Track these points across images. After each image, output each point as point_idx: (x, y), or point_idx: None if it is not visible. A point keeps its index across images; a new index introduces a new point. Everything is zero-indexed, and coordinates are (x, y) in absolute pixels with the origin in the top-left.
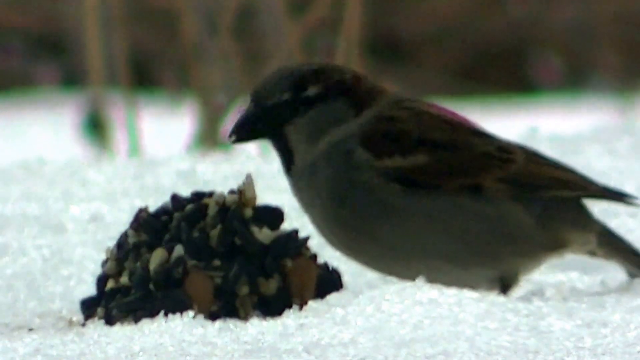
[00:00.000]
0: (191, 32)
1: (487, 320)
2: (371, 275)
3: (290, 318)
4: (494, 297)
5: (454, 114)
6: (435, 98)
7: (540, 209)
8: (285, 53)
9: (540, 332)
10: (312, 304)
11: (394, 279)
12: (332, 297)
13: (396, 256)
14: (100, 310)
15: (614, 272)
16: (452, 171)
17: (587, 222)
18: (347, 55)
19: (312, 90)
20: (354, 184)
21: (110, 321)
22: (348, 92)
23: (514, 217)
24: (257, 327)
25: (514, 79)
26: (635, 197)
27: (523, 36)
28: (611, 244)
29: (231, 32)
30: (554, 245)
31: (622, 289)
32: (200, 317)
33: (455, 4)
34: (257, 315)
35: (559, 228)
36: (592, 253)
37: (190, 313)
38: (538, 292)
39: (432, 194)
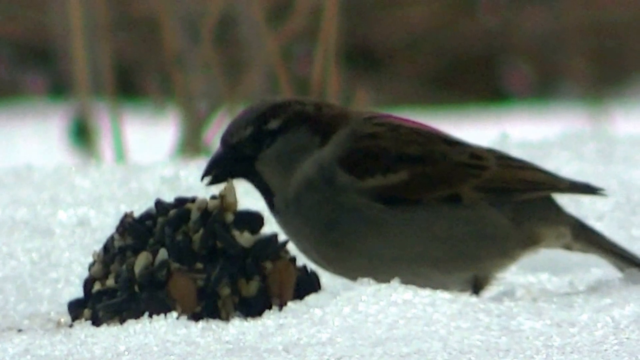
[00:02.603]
0: (173, 41)
1: (459, 320)
2: None
3: (270, 318)
4: (467, 298)
5: (421, 124)
6: (408, 105)
7: (514, 209)
8: (264, 61)
9: (511, 332)
10: (291, 304)
11: (370, 281)
12: (311, 298)
13: (385, 267)
14: (87, 312)
15: (583, 273)
16: (431, 184)
17: (559, 216)
18: (324, 63)
19: (273, 124)
20: (341, 206)
21: (96, 322)
22: (309, 121)
23: (491, 219)
24: (238, 327)
25: (486, 86)
26: (602, 188)
27: (494, 45)
28: (586, 237)
29: (212, 41)
30: (528, 241)
31: (590, 290)
32: (184, 317)
33: (427, 13)
34: (238, 316)
35: (532, 225)
36: (568, 247)
37: (174, 314)
38: (509, 293)
39: (414, 207)
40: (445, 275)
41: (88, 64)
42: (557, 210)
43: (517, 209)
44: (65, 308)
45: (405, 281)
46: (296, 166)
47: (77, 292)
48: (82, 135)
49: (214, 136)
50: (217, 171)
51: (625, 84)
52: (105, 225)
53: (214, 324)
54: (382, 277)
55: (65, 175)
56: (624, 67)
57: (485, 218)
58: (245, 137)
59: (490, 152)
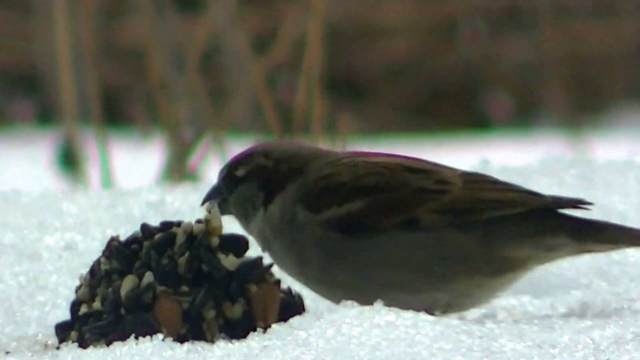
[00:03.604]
0: (159, 69)
1: (442, 342)
2: None
3: (254, 340)
4: (449, 320)
5: (393, 155)
6: (391, 133)
7: (482, 230)
8: (248, 89)
9: (492, 353)
10: (275, 326)
11: (353, 303)
12: (295, 320)
13: (361, 294)
14: (73, 334)
15: (563, 295)
16: (387, 210)
17: (543, 229)
18: (307, 91)
19: (240, 171)
20: (304, 242)
21: (83, 344)
22: (264, 176)
23: (452, 240)
24: (223, 349)
25: (467, 114)
26: (587, 202)
27: (475, 74)
28: (597, 235)
29: (197, 69)
30: (506, 261)
31: (571, 312)
32: (169, 339)
33: (409, 43)
34: (223, 338)
35: (505, 243)
36: (587, 251)
37: (160, 336)
38: (490, 315)
39: (371, 234)
40: (417, 296)
41: (75, 91)
42: (542, 223)
43: (486, 230)
44: (53, 330)
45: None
46: (250, 218)
47: (64, 314)
48: (69, 161)
49: (198, 162)
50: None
51: (603, 111)
52: (92, 250)
53: (200, 346)
54: (363, 301)
55: (52, 200)
56: (601, 95)
57: (446, 240)
58: (221, 178)
59: (464, 176)
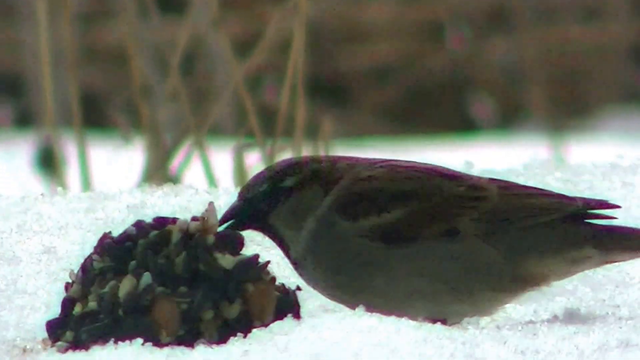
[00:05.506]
0: (140, 73)
1: (424, 347)
2: (312, 304)
3: (235, 345)
4: (431, 325)
5: (424, 164)
6: (374, 137)
7: (508, 244)
8: (230, 93)
9: (475, 359)
10: (256, 331)
11: (335, 308)
12: (275, 325)
13: (391, 303)
14: (69, 334)
15: (547, 302)
16: (427, 220)
17: (569, 244)
18: (291, 95)
19: (289, 182)
20: (342, 251)
21: (80, 345)
22: (322, 178)
23: (485, 254)
24: (203, 354)
25: (451, 117)
26: (616, 205)
27: (459, 76)
28: (618, 243)
29: (179, 72)
30: (527, 280)
31: (554, 318)
32: (149, 345)
33: (393, 45)
34: (203, 343)
35: (529, 260)
36: (611, 262)
37: (140, 340)
38: (473, 321)
39: (411, 244)
40: (443, 307)
41: (55, 94)
42: (567, 235)
43: (512, 243)
44: (32, 334)
45: (412, 313)
46: (306, 220)
47: (43, 318)
48: (49, 164)
49: (179, 166)
50: (233, 221)
51: (588, 114)
52: (72, 253)
53: (179, 351)
54: (392, 310)
55: (31, 203)
56: (586, 98)
57: (479, 254)
58: (260, 192)
59: (495, 181)
